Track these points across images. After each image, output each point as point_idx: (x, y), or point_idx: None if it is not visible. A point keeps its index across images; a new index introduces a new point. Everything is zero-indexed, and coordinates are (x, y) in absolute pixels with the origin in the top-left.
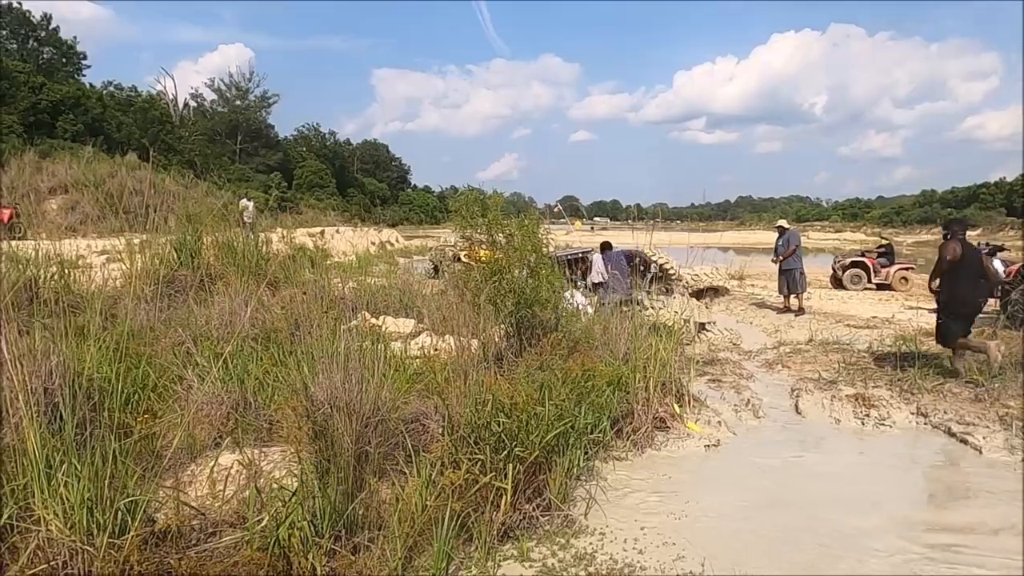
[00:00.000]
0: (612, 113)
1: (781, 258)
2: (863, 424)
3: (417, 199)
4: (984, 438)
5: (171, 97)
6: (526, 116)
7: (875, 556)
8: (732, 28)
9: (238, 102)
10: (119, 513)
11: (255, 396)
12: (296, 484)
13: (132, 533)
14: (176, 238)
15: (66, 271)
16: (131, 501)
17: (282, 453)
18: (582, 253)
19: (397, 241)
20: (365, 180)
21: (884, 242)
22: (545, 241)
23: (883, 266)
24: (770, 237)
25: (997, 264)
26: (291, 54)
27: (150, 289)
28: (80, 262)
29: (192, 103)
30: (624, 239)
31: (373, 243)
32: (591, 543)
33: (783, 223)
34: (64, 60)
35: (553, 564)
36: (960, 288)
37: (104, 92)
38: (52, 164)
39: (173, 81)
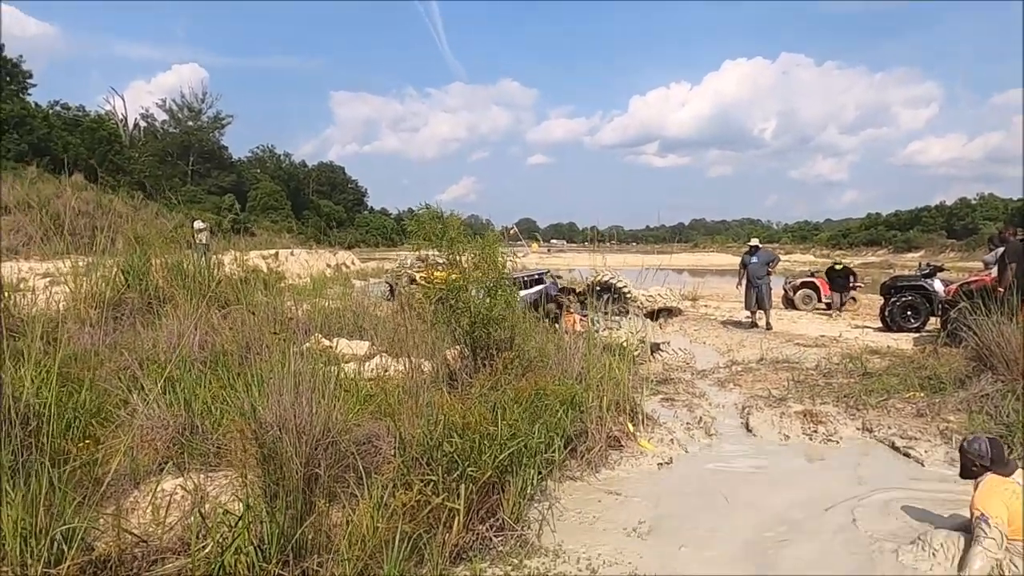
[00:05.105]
0: (569, 137)
1: (767, 274)
2: (811, 440)
3: (374, 221)
4: (926, 452)
5: (121, 117)
6: (484, 139)
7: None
8: (686, 55)
9: (190, 123)
10: (55, 542)
11: (202, 420)
12: (242, 509)
13: (69, 562)
14: (123, 260)
15: (6, 294)
16: (68, 529)
17: (229, 477)
18: (537, 275)
19: (353, 263)
20: (321, 202)
21: (839, 266)
22: (505, 261)
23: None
24: (723, 259)
25: (938, 284)
26: (246, 73)
27: (95, 312)
28: (21, 285)
29: (143, 123)
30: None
31: (328, 265)
32: (544, 563)
33: (756, 241)
34: (8, 79)
35: None
36: None
37: (50, 111)
38: None
39: (123, 100)
